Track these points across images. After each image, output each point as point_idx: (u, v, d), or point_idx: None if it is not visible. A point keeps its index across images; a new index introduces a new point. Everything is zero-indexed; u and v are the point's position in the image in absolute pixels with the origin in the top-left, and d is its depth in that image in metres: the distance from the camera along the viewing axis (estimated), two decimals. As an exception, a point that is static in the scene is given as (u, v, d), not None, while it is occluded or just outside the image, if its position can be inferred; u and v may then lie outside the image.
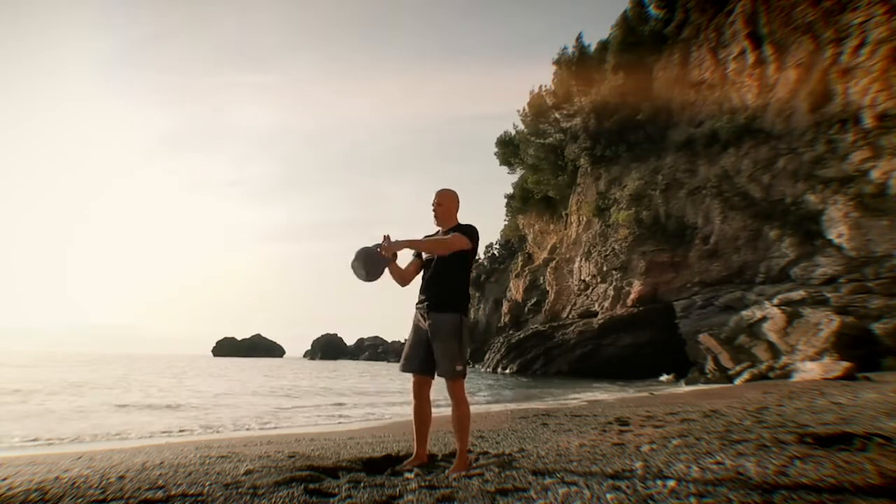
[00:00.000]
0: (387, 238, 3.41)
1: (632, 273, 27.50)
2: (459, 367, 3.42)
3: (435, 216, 3.65)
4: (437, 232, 3.71)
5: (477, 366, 32.94)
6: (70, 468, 3.67)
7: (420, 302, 3.59)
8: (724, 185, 25.26)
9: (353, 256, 3.43)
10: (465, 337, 3.51)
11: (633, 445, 4.03)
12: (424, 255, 3.65)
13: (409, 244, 3.45)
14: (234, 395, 15.24)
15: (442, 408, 4.99)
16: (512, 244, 49.73)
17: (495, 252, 52.84)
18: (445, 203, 3.64)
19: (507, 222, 49.01)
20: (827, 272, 20.30)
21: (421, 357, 3.54)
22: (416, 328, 3.60)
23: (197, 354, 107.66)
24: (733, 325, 21.46)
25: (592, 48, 37.20)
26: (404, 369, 3.62)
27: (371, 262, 3.41)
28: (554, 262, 36.41)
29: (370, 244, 3.44)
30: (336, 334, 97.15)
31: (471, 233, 3.54)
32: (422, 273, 3.66)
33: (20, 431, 7.49)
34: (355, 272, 3.44)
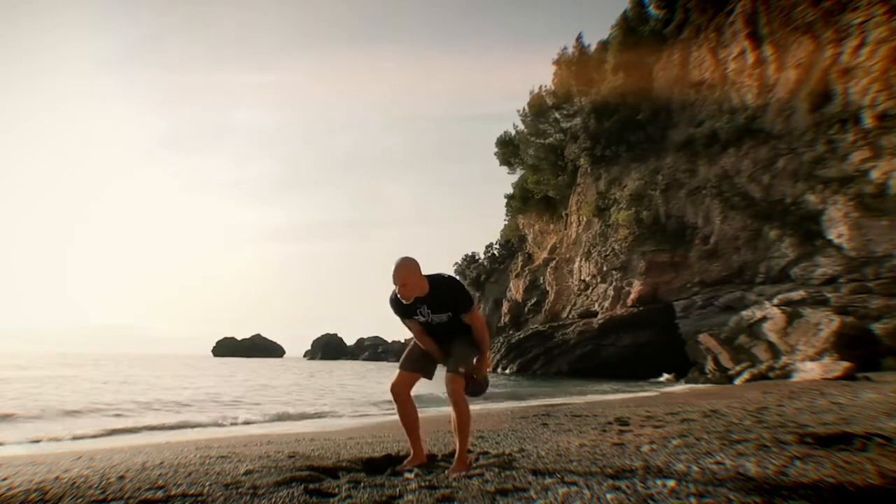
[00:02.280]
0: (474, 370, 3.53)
1: (632, 273, 27.50)
2: (463, 369, 3.46)
3: (403, 295, 3.40)
4: (415, 300, 3.47)
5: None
6: (70, 468, 3.67)
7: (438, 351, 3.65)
8: (724, 185, 25.27)
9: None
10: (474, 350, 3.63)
11: (633, 445, 4.03)
12: (418, 320, 3.56)
13: (486, 354, 3.58)
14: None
15: (442, 408, 4.99)
16: (512, 244, 49.69)
17: (495, 252, 52.78)
18: (408, 278, 3.37)
19: (507, 222, 49.00)
20: (827, 272, 20.30)
21: (419, 359, 3.64)
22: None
23: (197, 354, 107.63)
24: (733, 325, 21.46)
25: (592, 48, 37.25)
26: (402, 367, 3.69)
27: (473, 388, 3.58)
28: (554, 262, 36.41)
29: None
30: (336, 334, 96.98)
31: (469, 299, 3.54)
32: (423, 329, 3.63)
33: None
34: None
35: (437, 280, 3.47)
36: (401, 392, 3.61)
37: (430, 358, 3.60)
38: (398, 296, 3.42)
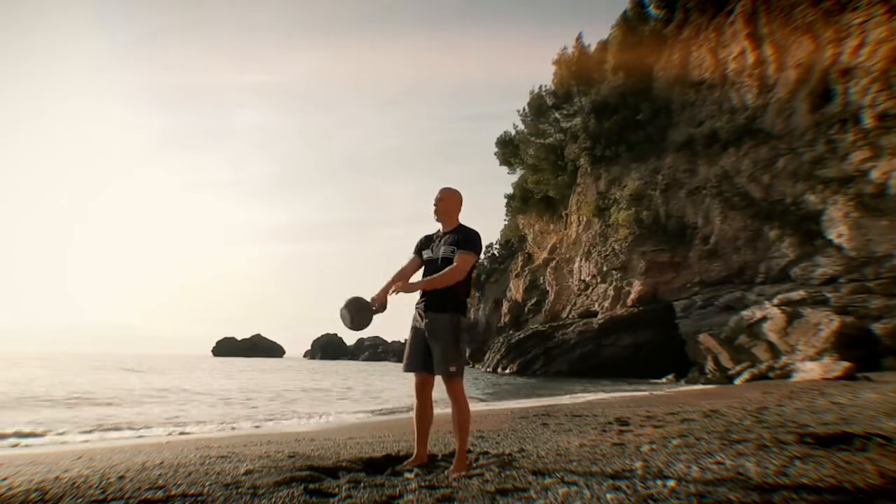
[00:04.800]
0: (395, 289, 3.46)
1: (632, 273, 27.50)
2: (454, 368, 3.42)
3: (435, 211, 3.64)
4: (438, 231, 3.69)
5: (477, 366, 32.93)
6: (70, 468, 3.67)
7: (419, 301, 3.60)
8: (724, 185, 25.26)
9: (342, 304, 3.52)
10: (463, 337, 3.51)
11: (633, 445, 4.03)
12: (424, 255, 3.65)
13: (422, 285, 3.49)
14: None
15: (442, 407, 5.00)
16: (512, 244, 49.70)
17: (495, 252, 52.82)
18: (447, 200, 3.63)
19: (507, 222, 48.97)
20: (827, 272, 20.30)
21: (421, 356, 3.54)
22: (415, 327, 3.61)
23: (197, 354, 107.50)
24: (733, 325, 21.46)
25: (592, 48, 37.24)
26: (407, 369, 3.64)
27: (358, 312, 3.50)
28: (554, 262, 36.40)
29: (363, 297, 3.53)
30: (336, 334, 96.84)
31: (477, 246, 3.56)
32: (422, 272, 3.65)
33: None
34: (342, 319, 3.54)
35: (465, 226, 3.65)
36: (423, 391, 3.62)
37: (428, 354, 3.51)
38: (435, 216, 3.65)
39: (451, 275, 3.43)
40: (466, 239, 3.54)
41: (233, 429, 8.53)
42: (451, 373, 3.42)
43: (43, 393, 13.82)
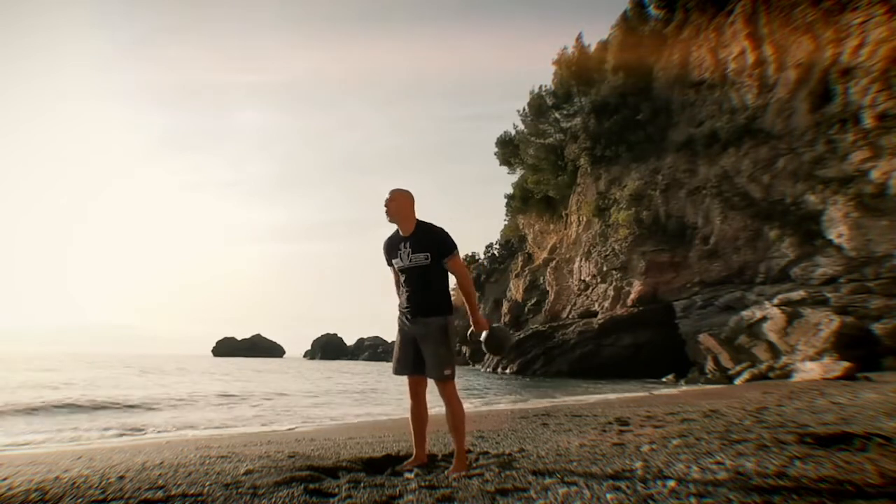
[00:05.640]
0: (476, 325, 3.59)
1: (632, 273, 27.49)
2: (448, 371, 3.43)
3: (387, 212, 3.53)
4: (396, 233, 3.60)
5: (477, 366, 32.94)
6: (70, 468, 3.67)
7: (404, 308, 3.58)
8: (724, 185, 25.26)
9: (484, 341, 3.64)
10: (452, 338, 3.52)
11: (633, 445, 4.03)
12: (395, 264, 3.59)
13: (476, 308, 3.57)
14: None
15: (441, 408, 4.99)
16: (512, 244, 49.73)
17: (495, 252, 52.84)
18: (398, 200, 3.53)
19: (507, 222, 49.00)
20: (827, 272, 20.29)
21: (411, 358, 3.55)
22: (402, 331, 3.61)
23: (197, 354, 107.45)
24: (733, 325, 21.45)
25: (592, 48, 37.24)
26: (397, 372, 3.64)
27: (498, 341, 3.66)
28: (554, 262, 36.40)
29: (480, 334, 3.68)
30: (336, 334, 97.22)
31: (454, 243, 3.53)
32: (400, 279, 3.61)
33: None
34: (492, 351, 3.68)
35: (424, 223, 3.58)
36: (417, 392, 3.63)
37: (418, 355, 3.51)
38: (387, 217, 3.55)
39: (469, 283, 3.56)
40: (443, 242, 3.49)
41: (250, 427, 8.54)
42: (445, 377, 3.42)
43: (84, 396, 13.38)
